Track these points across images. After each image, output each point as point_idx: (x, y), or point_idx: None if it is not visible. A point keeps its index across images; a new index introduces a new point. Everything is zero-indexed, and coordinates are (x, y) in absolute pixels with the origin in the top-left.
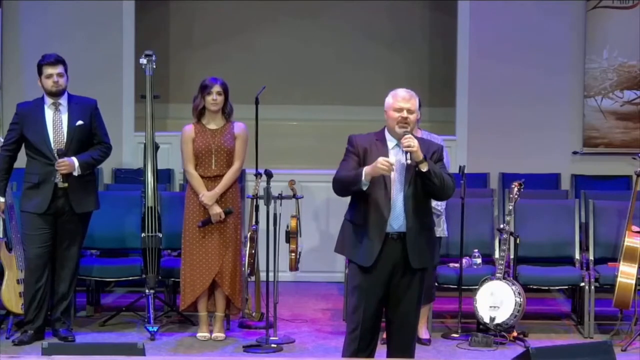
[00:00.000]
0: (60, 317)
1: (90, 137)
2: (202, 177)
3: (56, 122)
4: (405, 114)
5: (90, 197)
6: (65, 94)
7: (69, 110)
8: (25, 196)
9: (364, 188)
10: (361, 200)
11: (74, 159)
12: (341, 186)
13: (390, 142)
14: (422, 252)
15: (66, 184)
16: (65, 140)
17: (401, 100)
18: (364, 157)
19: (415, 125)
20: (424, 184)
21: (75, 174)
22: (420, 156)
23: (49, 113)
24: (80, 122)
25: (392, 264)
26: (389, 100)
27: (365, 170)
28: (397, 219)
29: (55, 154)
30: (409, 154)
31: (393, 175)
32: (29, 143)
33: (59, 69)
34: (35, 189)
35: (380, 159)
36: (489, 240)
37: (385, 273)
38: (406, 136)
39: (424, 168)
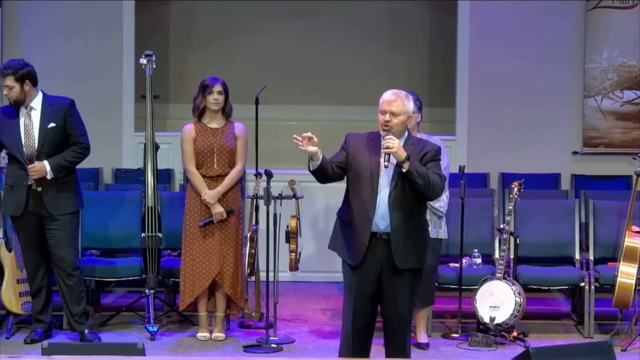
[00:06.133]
0: (80, 320)
1: (65, 138)
2: (204, 176)
3: (27, 127)
4: (387, 117)
5: (67, 199)
6: (39, 97)
7: (41, 113)
8: (5, 198)
9: (311, 167)
10: (350, 199)
11: (46, 163)
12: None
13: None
14: (408, 253)
15: (40, 188)
16: (36, 144)
17: (385, 103)
18: (353, 154)
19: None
20: (410, 184)
21: (49, 177)
22: (403, 156)
23: (21, 118)
24: (52, 125)
25: (380, 264)
26: (380, 101)
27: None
28: (383, 219)
29: (26, 159)
30: (388, 155)
31: (381, 175)
32: (4, 147)
33: (8, 81)
34: (11, 192)
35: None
36: (489, 240)
37: (374, 272)
38: (386, 137)
39: (405, 168)
